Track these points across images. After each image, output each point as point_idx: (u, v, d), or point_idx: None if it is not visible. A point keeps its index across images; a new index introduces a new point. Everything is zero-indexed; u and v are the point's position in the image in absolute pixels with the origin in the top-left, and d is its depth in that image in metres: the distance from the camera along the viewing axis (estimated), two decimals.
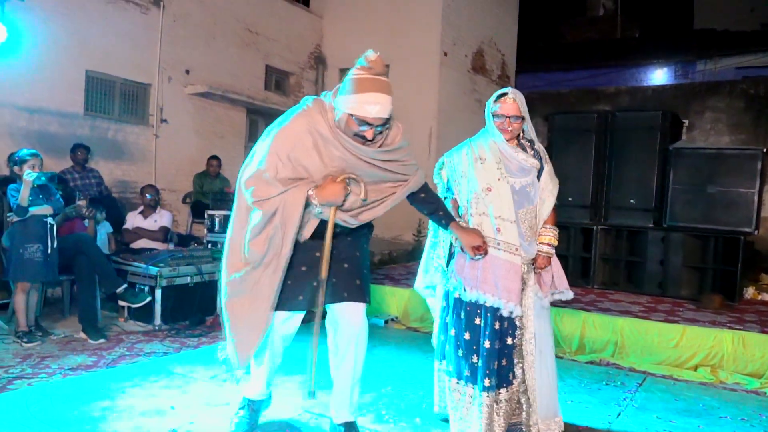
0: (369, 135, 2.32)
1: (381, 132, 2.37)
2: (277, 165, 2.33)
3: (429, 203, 2.69)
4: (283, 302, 2.47)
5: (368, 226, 2.66)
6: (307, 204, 2.36)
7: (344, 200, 2.37)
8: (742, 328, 4.37)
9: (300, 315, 2.62)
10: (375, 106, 2.25)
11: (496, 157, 2.73)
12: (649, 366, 4.25)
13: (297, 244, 2.44)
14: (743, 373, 4.05)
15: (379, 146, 2.42)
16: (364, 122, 2.28)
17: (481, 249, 2.63)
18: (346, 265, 2.51)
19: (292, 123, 2.38)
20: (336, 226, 2.46)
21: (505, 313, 2.62)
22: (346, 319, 2.54)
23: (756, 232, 5.70)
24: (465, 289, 2.70)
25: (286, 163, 2.34)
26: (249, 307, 2.43)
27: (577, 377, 3.95)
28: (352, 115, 2.27)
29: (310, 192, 2.33)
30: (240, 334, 2.47)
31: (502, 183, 2.69)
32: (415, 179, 2.58)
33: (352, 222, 2.48)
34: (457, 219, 2.78)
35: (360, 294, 2.54)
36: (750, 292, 6.02)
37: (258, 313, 2.42)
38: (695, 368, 4.18)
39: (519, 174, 2.74)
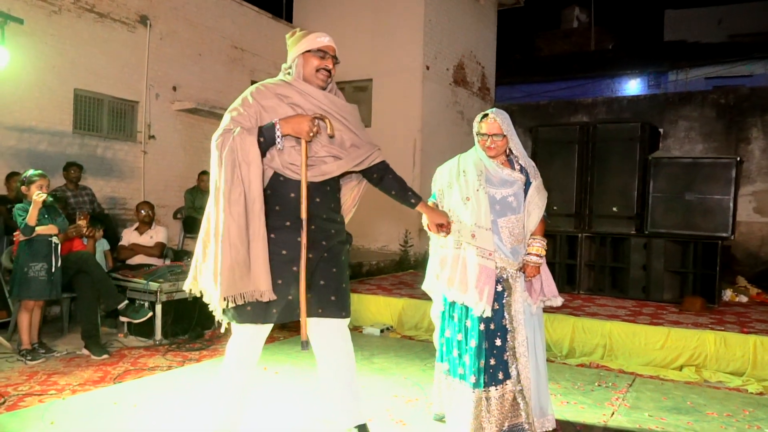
0: (329, 63, 2.55)
1: (334, 66, 2.58)
2: (242, 114, 2.44)
3: (395, 183, 2.74)
4: (255, 315, 2.46)
5: (345, 240, 2.71)
6: (269, 146, 2.40)
7: (311, 133, 2.39)
8: (723, 329, 4.60)
9: (267, 331, 2.61)
10: (325, 37, 2.57)
11: (478, 170, 2.95)
12: (637, 367, 4.45)
13: (274, 255, 2.44)
14: (726, 371, 4.27)
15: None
16: (321, 51, 2.54)
17: (443, 227, 2.86)
18: (322, 282, 2.58)
19: (256, 85, 2.55)
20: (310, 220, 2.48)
21: (476, 313, 2.80)
22: (323, 333, 2.63)
23: (732, 236, 5.98)
24: (448, 289, 2.91)
25: (252, 107, 2.45)
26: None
27: (570, 379, 4.12)
28: (309, 50, 2.53)
29: (276, 121, 2.41)
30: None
31: (480, 193, 2.89)
32: (376, 150, 2.65)
33: (309, 176, 2.49)
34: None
35: (334, 309, 2.59)
36: (728, 294, 6.29)
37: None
38: (680, 368, 4.38)
39: (500, 185, 2.95)
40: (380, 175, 2.71)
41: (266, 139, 2.41)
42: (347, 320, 2.69)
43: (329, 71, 2.56)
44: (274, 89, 2.53)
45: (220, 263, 2.36)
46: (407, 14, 10.48)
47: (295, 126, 2.40)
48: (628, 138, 6.44)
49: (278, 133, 2.40)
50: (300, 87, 2.53)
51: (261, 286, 2.36)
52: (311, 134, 2.40)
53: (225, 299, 2.38)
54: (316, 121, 2.43)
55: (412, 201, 2.76)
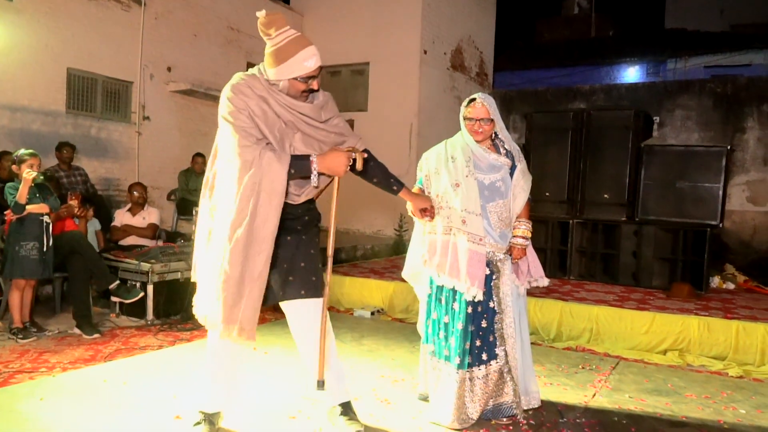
0: (315, 85, 2.46)
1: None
2: (243, 117, 2.36)
3: (377, 170, 2.73)
4: None
5: (316, 223, 2.74)
6: (297, 178, 2.40)
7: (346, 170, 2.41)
8: (707, 314, 4.65)
9: None
10: (312, 58, 2.39)
11: (466, 156, 2.97)
12: (622, 351, 4.51)
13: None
14: (708, 356, 4.34)
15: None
16: (309, 77, 2.42)
17: (427, 212, 2.90)
18: (302, 264, 2.61)
19: (235, 84, 2.42)
20: (286, 213, 2.47)
21: (468, 297, 2.85)
22: (306, 314, 2.67)
23: (721, 224, 6.02)
24: (437, 274, 2.94)
25: (244, 112, 2.37)
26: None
27: (555, 362, 4.18)
28: (297, 78, 2.40)
29: (312, 158, 2.38)
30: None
31: (469, 179, 2.92)
32: (358, 141, 2.64)
33: (297, 198, 2.52)
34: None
35: (315, 290, 2.64)
36: (716, 281, 6.34)
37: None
38: (664, 352, 4.45)
39: (488, 171, 2.98)
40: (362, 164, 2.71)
41: (296, 172, 2.37)
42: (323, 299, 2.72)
43: (314, 89, 2.49)
44: (253, 89, 2.41)
45: (221, 292, 2.36)
46: None
47: (331, 165, 2.39)
48: (622, 126, 6.44)
49: (314, 173, 2.37)
50: (279, 99, 2.44)
51: (246, 325, 2.36)
52: (347, 168, 2.38)
53: (227, 326, 2.38)
54: (351, 155, 2.38)
55: (395, 188, 2.78)
